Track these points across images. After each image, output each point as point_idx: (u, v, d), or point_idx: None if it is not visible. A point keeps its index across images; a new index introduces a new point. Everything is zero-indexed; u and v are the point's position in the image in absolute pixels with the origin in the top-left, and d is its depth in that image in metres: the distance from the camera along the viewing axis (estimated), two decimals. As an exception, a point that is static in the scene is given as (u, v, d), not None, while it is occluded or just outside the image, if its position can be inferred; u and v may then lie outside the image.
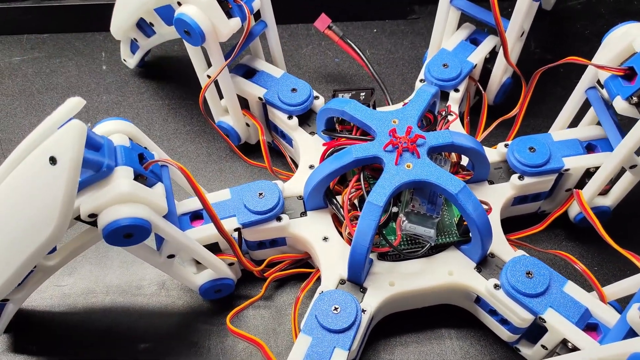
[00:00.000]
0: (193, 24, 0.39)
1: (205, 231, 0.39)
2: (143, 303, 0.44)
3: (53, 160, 0.28)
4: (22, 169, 0.30)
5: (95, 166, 0.31)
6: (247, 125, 0.49)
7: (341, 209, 0.40)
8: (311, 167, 0.44)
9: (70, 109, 0.30)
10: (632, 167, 0.39)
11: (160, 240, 0.36)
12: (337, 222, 0.41)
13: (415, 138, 0.37)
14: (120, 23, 0.48)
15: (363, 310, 0.37)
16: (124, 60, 0.56)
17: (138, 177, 0.33)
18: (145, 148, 0.36)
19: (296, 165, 0.48)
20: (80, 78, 0.57)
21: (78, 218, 0.33)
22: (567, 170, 0.41)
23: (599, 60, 0.38)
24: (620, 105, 0.36)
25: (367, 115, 0.39)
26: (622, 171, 0.40)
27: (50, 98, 0.56)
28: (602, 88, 0.40)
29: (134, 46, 0.54)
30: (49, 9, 0.59)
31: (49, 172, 0.29)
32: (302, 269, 0.43)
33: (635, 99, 0.35)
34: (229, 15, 0.41)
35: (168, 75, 0.57)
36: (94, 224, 0.32)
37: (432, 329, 0.42)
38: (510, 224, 0.43)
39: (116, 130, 0.34)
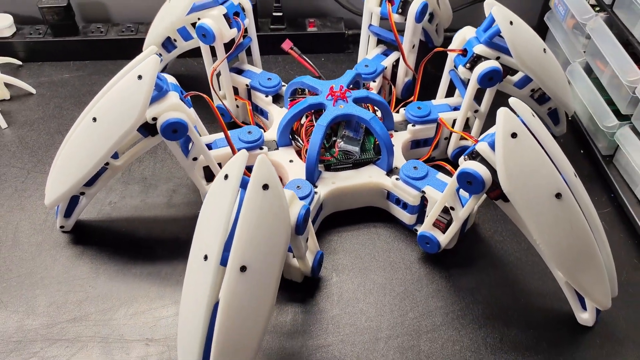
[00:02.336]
0: (209, 29, 0.64)
1: (214, 153, 0.61)
2: (166, 214, 0.64)
3: (140, 77, 0.51)
4: (119, 85, 0.52)
5: (159, 87, 0.53)
6: (237, 107, 0.73)
7: (301, 139, 0.63)
8: (281, 124, 0.67)
9: (148, 53, 0.53)
10: (476, 111, 0.64)
11: (186, 150, 0.58)
12: (297, 153, 0.64)
13: (345, 92, 0.62)
14: (154, 39, 0.73)
15: (315, 192, 0.59)
16: (148, 73, 0.80)
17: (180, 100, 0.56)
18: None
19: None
20: (114, 87, 0.81)
21: (142, 126, 0.55)
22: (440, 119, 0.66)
23: (451, 48, 0.64)
24: (461, 70, 0.62)
25: (315, 82, 0.64)
26: (474, 120, 0.66)
27: (92, 99, 0.79)
28: (456, 68, 0.66)
29: (156, 62, 0.78)
30: (92, 42, 0.83)
31: (137, 85, 0.51)
32: (275, 184, 0.65)
33: (468, 65, 0.61)
34: (230, 26, 0.66)
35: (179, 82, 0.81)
36: (154, 129, 0.54)
37: (363, 224, 0.64)
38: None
39: (167, 77, 0.57)
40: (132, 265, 0.59)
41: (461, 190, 0.52)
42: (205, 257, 0.42)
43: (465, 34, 0.63)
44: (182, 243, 0.61)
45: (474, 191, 0.50)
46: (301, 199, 0.57)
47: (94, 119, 0.53)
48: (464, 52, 0.62)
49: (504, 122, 0.46)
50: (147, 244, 0.61)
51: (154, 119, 0.54)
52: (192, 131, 0.56)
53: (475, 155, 0.50)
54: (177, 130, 0.54)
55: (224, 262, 0.42)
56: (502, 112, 0.46)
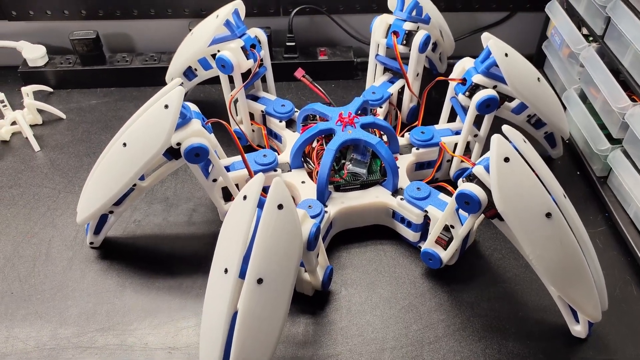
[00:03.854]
0: (228, 60, 0.69)
1: (232, 175, 0.66)
2: (187, 232, 0.69)
3: (166, 106, 0.56)
4: (147, 114, 0.58)
5: (183, 115, 0.59)
6: (253, 131, 0.78)
7: (311, 162, 0.68)
8: (293, 148, 0.72)
9: (173, 84, 0.59)
10: (475, 135, 0.69)
11: (206, 172, 0.63)
12: (309, 175, 0.69)
13: (353, 118, 0.67)
14: (174, 70, 0.78)
15: (326, 211, 0.63)
16: (170, 99, 0.85)
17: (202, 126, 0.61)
18: (203, 119, 0.64)
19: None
20: (138, 112, 0.86)
21: (167, 151, 0.60)
22: (443, 142, 0.71)
23: (451, 77, 0.69)
24: (461, 97, 0.67)
25: (326, 109, 0.69)
26: (474, 144, 0.70)
27: (118, 124, 0.83)
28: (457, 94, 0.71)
29: (178, 89, 0.84)
30: (118, 70, 0.89)
31: (163, 113, 0.56)
32: (288, 204, 0.70)
33: (467, 93, 0.66)
34: (247, 57, 0.71)
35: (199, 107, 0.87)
36: (178, 153, 0.60)
37: (370, 242, 0.68)
38: (415, 182, 0.72)
39: (189, 105, 0.62)
40: (155, 279, 0.64)
41: (460, 209, 0.56)
42: (226, 271, 0.47)
43: (464, 64, 0.68)
44: (201, 258, 0.65)
45: (472, 211, 0.54)
46: (312, 217, 0.61)
47: (124, 144, 0.58)
48: (463, 81, 0.67)
49: (498, 147, 0.50)
50: (169, 260, 0.66)
51: (178, 144, 0.59)
52: (213, 155, 0.61)
53: (472, 178, 0.55)
54: (199, 155, 0.59)
55: (242, 275, 0.47)
56: (495, 138, 0.51)
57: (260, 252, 0.46)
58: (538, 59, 0.90)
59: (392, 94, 0.78)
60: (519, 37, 0.95)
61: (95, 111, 0.87)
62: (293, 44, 0.89)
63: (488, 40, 0.64)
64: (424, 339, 0.58)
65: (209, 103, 0.88)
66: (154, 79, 0.89)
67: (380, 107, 0.77)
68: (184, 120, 0.59)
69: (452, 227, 0.58)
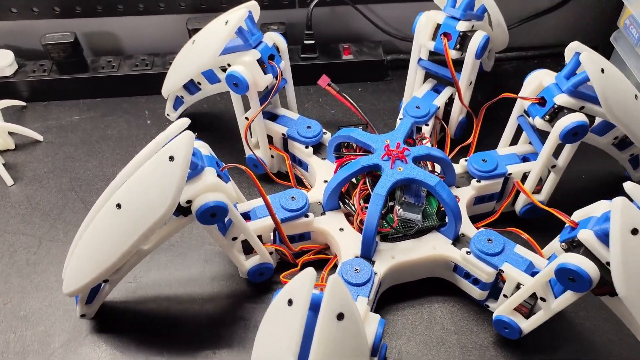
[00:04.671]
0: (241, 78, 0.55)
1: (254, 225, 0.53)
2: (199, 291, 0.57)
3: (172, 159, 0.43)
4: (146, 167, 0.44)
5: (193, 165, 0.45)
6: (272, 157, 0.64)
7: (352, 206, 0.55)
8: (325, 181, 0.59)
9: (179, 126, 0.45)
10: (553, 166, 0.56)
11: (223, 227, 0.50)
12: (347, 219, 0.56)
13: (403, 150, 0.53)
14: (174, 84, 0.64)
15: (375, 273, 0.51)
16: (167, 115, 0.71)
17: (217, 177, 0.47)
18: (216, 160, 0.50)
19: (310, 186, 0.63)
20: (130, 130, 0.72)
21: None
22: (510, 174, 0.58)
23: (523, 95, 0.55)
24: (539, 122, 0.53)
25: (367, 137, 0.55)
26: (548, 173, 0.57)
27: (107, 146, 0.70)
28: (528, 115, 0.57)
29: (177, 103, 0.69)
30: (103, 78, 0.74)
31: (168, 167, 0.43)
32: (324, 255, 0.57)
33: (547, 117, 0.53)
34: (265, 72, 0.57)
35: (199, 126, 0.72)
36: (187, 210, 0.46)
37: (423, 298, 0.56)
38: (473, 220, 0.59)
39: (200, 146, 0.49)
40: (160, 357, 0.52)
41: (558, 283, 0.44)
42: (267, 403, 0.35)
43: (541, 79, 0.54)
44: (218, 326, 0.53)
45: (578, 289, 0.42)
46: (360, 285, 0.49)
47: (118, 206, 0.45)
48: (540, 100, 0.53)
49: (623, 215, 0.38)
50: (177, 328, 0.54)
51: (189, 201, 0.46)
52: (233, 212, 0.47)
53: (576, 245, 0.42)
54: (215, 215, 0.46)
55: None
56: (619, 204, 0.38)
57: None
58: (602, 52, 0.76)
59: (439, 107, 0.65)
60: (578, 25, 0.81)
61: (78, 130, 0.72)
62: (312, 42, 0.74)
63: (574, 51, 0.51)
64: None
65: (214, 116, 0.74)
66: (147, 86, 0.75)
67: (426, 125, 0.63)
68: (194, 171, 0.45)
69: (543, 299, 0.46)
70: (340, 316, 0.34)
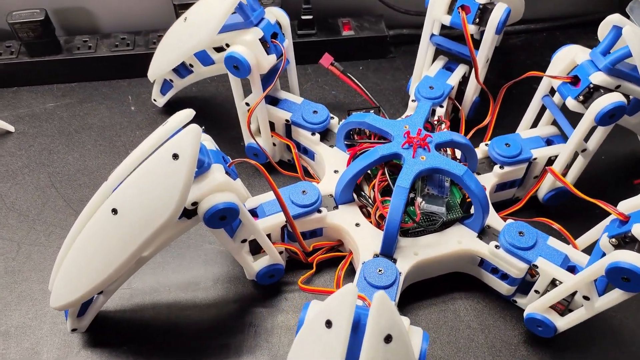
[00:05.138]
0: (243, 60, 0.49)
1: (263, 223, 0.48)
2: (202, 296, 0.51)
3: (175, 157, 0.37)
4: (145, 167, 0.38)
5: (200, 163, 0.39)
6: (274, 145, 0.59)
7: (369, 199, 0.50)
8: (335, 172, 0.54)
9: (182, 118, 0.39)
10: (583, 150, 0.52)
11: (231, 229, 0.45)
12: (363, 212, 0.51)
13: (425, 137, 0.49)
14: (163, 67, 0.57)
15: (399, 272, 0.46)
16: (154, 100, 0.65)
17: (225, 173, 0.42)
18: (221, 154, 0.45)
19: (317, 176, 0.58)
20: (113, 118, 0.65)
21: (176, 210, 0.41)
22: (534, 159, 0.54)
23: (551, 73, 0.51)
24: (571, 103, 0.49)
25: (384, 123, 0.50)
26: (575, 156, 0.53)
27: (88, 136, 0.64)
28: (553, 95, 0.53)
29: (165, 87, 0.63)
30: (79, 60, 0.67)
31: (172, 166, 0.37)
32: (338, 253, 0.52)
33: (581, 97, 0.48)
34: (268, 52, 0.51)
35: (192, 106, 0.66)
36: (191, 212, 0.41)
37: (445, 294, 0.52)
38: (494, 207, 0.55)
39: (204, 139, 0.43)
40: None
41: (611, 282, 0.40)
42: None
43: (573, 55, 0.49)
44: (223, 335, 0.49)
45: (632, 289, 0.38)
46: (386, 287, 0.45)
47: (114, 211, 0.39)
48: (573, 79, 0.49)
49: (691, 210, 0.34)
50: (179, 339, 0.49)
51: (194, 203, 0.40)
52: (244, 213, 0.42)
53: (629, 241, 0.38)
54: (225, 217, 0.41)
55: None
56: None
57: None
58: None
59: (453, 87, 0.60)
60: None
61: (53, 118, 0.65)
62: (310, 17, 0.68)
63: (610, 25, 0.46)
64: None
65: (205, 100, 0.68)
66: (129, 69, 0.68)
67: (441, 107, 0.59)
68: (200, 169, 0.40)
69: (587, 298, 0.42)
70: (388, 338, 0.30)
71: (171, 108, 0.66)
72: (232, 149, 0.61)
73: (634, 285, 0.38)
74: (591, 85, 0.47)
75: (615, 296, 0.40)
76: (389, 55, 0.73)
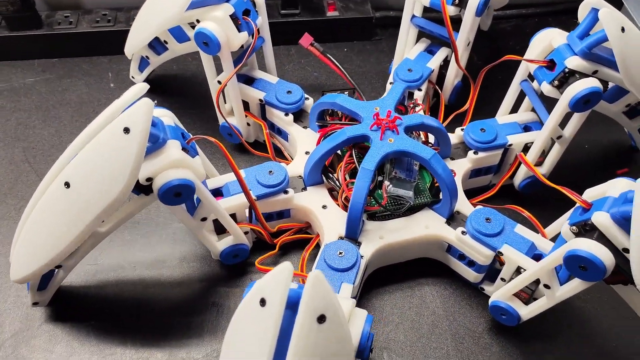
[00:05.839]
0: (212, 36, 0.48)
1: (226, 203, 0.48)
2: (167, 274, 0.51)
3: (127, 130, 0.37)
4: (97, 141, 0.38)
5: (154, 138, 0.39)
6: (248, 124, 0.58)
7: (337, 181, 0.49)
8: (307, 153, 0.53)
9: (136, 92, 0.39)
10: (559, 137, 0.50)
11: (192, 205, 0.44)
12: (331, 194, 0.51)
13: (395, 119, 0.48)
14: (137, 43, 0.57)
15: (361, 256, 0.46)
16: (132, 77, 0.64)
17: (182, 150, 0.41)
18: (182, 130, 0.44)
19: (291, 157, 0.57)
20: (91, 94, 0.65)
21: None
22: (510, 145, 0.52)
23: (529, 57, 0.50)
24: (546, 88, 0.48)
25: (354, 104, 0.49)
26: (552, 144, 0.52)
27: (65, 112, 0.63)
28: (533, 80, 0.52)
29: (143, 64, 0.62)
30: (59, 36, 0.67)
31: (123, 140, 0.37)
32: (305, 235, 0.52)
33: (556, 82, 0.47)
34: (239, 29, 0.50)
35: (168, 90, 0.66)
36: (148, 188, 0.40)
37: (412, 280, 0.51)
38: (467, 194, 0.54)
39: (162, 115, 0.42)
40: (122, 348, 0.47)
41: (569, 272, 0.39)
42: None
43: (550, 39, 0.48)
44: (188, 314, 0.48)
45: (589, 278, 0.37)
46: (344, 270, 0.44)
47: (67, 184, 0.39)
48: (549, 63, 0.48)
49: (649, 198, 0.33)
50: (141, 317, 0.48)
51: (149, 179, 0.40)
52: (201, 190, 0.42)
53: (589, 229, 0.37)
54: (180, 194, 0.40)
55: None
56: (643, 184, 0.33)
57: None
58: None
59: (433, 70, 0.59)
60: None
61: (32, 93, 0.65)
62: (293, -5, 0.67)
63: (588, 7, 0.45)
64: None
65: (185, 79, 0.67)
66: (110, 45, 0.67)
67: (419, 90, 0.57)
68: (154, 144, 0.39)
69: (547, 287, 0.41)
70: (321, 318, 0.29)
71: (152, 86, 0.66)
72: (209, 128, 0.61)
73: (591, 274, 0.37)
74: (566, 70, 0.46)
75: (575, 285, 0.39)
76: (375, 38, 0.72)
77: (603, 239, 0.36)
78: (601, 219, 0.36)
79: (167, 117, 0.42)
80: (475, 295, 0.50)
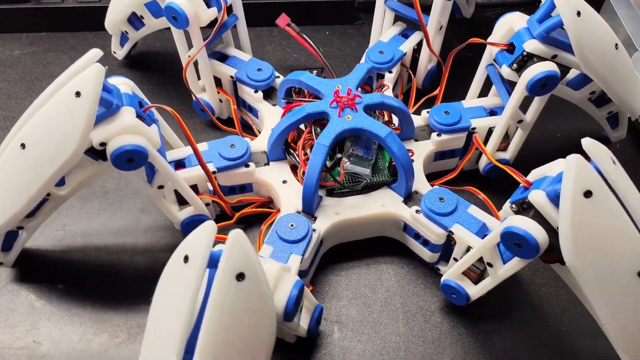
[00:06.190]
0: (180, 10, 0.49)
1: (187, 173, 0.49)
2: (132, 242, 0.53)
3: (78, 94, 0.38)
4: (51, 104, 0.39)
5: (107, 103, 0.40)
6: (220, 101, 0.59)
7: (297, 156, 0.50)
8: (273, 130, 0.54)
9: (90, 58, 0.40)
10: (520, 121, 0.51)
11: (151, 173, 0.46)
12: (294, 171, 0.52)
13: (354, 97, 0.48)
14: (115, 17, 0.58)
15: (314, 230, 0.46)
16: (114, 52, 0.66)
17: (138, 117, 0.43)
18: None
19: (260, 133, 0.58)
20: (74, 68, 0.67)
21: (90, 150, 0.42)
22: (473, 128, 0.53)
23: (492, 40, 0.50)
24: (506, 71, 0.48)
25: (317, 82, 0.50)
26: (516, 129, 0.52)
27: (47, 83, 0.63)
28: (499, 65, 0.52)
29: (123, 40, 0.64)
30: (47, 10, 0.68)
31: (74, 104, 0.38)
32: (265, 209, 0.53)
33: (515, 65, 0.47)
34: (208, 5, 0.51)
35: (150, 66, 0.67)
36: (102, 153, 0.42)
37: (370, 258, 0.52)
38: (434, 178, 0.55)
39: (120, 83, 0.44)
40: (83, 309, 0.48)
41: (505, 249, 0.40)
42: (160, 368, 0.31)
43: (512, 22, 0.48)
44: (151, 282, 0.49)
45: (523, 255, 0.38)
46: (294, 242, 0.45)
47: (23, 146, 0.40)
48: (509, 47, 0.48)
49: (576, 175, 0.33)
50: (105, 282, 0.50)
51: (103, 144, 0.41)
52: (155, 157, 0.43)
53: (526, 207, 0.38)
54: (133, 160, 0.41)
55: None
56: (573, 161, 0.33)
57: (208, 350, 0.30)
58: (593, 2, 0.69)
59: (405, 53, 0.59)
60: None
61: (18, 65, 0.67)
62: (275, -24, 0.68)
63: (549, -11, 0.45)
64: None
65: (167, 55, 0.68)
66: (96, 21, 0.68)
67: (390, 72, 0.58)
68: (108, 110, 0.41)
69: (490, 265, 0.42)
70: (240, 276, 0.30)
71: (134, 61, 0.67)
72: (185, 103, 0.62)
73: (525, 251, 0.37)
74: (525, 53, 0.46)
75: (514, 263, 0.40)
76: (357, 22, 0.72)
77: (538, 216, 0.37)
78: (537, 197, 0.36)
79: (125, 85, 0.44)
80: (431, 275, 0.51)
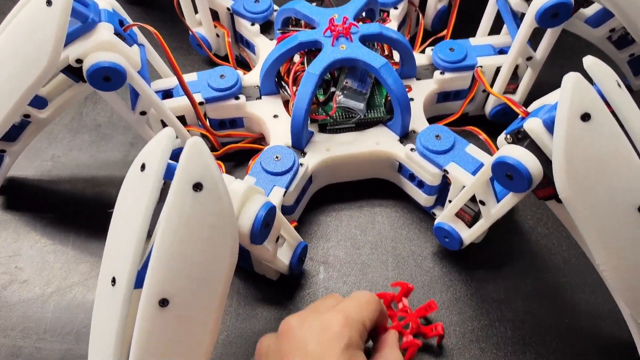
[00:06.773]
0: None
1: (173, 103, 0.47)
2: (120, 176, 0.51)
3: (49, 3, 0.36)
4: (22, 16, 0.38)
5: (82, 17, 0.38)
6: (217, 36, 0.57)
7: (288, 88, 0.48)
8: (268, 64, 0.52)
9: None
10: (529, 59, 0.47)
11: (135, 100, 0.44)
12: (287, 106, 0.49)
13: (350, 26, 0.45)
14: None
15: (301, 164, 0.44)
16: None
17: (118, 36, 0.41)
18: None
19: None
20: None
21: (68, 69, 0.40)
22: (480, 67, 0.49)
23: (503, -30, 0.46)
24: (514, 1, 0.44)
25: (312, 10, 0.47)
26: (526, 68, 0.49)
27: None
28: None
29: None
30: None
31: (46, 13, 0.36)
32: (254, 145, 0.51)
33: (524, -7, 0.44)
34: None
35: (151, 3, 0.65)
36: (79, 72, 0.40)
37: (364, 200, 0.50)
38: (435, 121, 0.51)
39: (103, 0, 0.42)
40: (66, 238, 0.47)
41: (497, 182, 0.37)
42: (114, 281, 0.29)
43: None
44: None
45: (515, 189, 0.35)
46: (278, 174, 0.43)
47: (-4, 59, 0.39)
48: (520, -27, 0.44)
49: (573, 95, 0.30)
50: (92, 213, 0.49)
51: (79, 60, 0.39)
52: (134, 78, 0.41)
53: (522, 137, 0.35)
54: (109, 78, 0.40)
55: (140, 283, 0.29)
56: (570, 79, 0.30)
57: (162, 260, 0.28)
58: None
59: (413, -12, 0.56)
60: None
61: None
62: None
63: None
64: (431, 350, 0.42)
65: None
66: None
67: (395, 8, 0.55)
68: (84, 24, 0.39)
69: (482, 203, 0.39)
70: (197, 186, 0.28)
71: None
72: (183, 39, 0.60)
73: (517, 183, 0.34)
74: (535, -21, 0.42)
75: (507, 199, 0.37)
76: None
77: (533, 146, 0.34)
78: (532, 125, 0.33)
79: (105, 1, 0.42)
80: (426, 220, 0.48)
